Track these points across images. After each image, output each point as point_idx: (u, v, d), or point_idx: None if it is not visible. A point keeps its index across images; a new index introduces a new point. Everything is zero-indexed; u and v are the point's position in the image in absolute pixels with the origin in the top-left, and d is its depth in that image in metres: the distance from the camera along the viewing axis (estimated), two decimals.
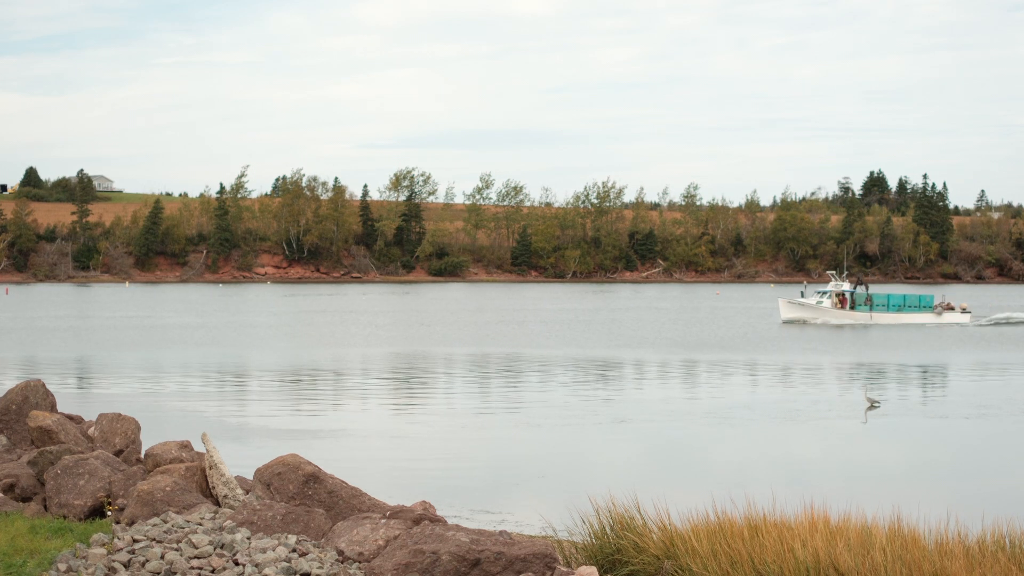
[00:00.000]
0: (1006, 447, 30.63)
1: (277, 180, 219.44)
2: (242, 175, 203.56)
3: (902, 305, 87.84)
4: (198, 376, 46.06)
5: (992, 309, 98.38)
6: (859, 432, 32.61)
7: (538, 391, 41.57)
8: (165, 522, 11.81)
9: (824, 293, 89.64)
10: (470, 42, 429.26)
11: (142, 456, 15.21)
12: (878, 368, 51.06)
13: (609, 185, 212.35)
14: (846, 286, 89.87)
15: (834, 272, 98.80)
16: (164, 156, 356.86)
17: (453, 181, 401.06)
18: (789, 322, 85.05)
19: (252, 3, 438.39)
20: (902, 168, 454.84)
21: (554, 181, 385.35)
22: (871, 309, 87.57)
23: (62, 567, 10.52)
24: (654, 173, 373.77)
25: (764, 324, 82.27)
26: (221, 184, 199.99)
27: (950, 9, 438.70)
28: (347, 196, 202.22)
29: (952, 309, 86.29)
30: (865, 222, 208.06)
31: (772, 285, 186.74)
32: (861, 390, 39.58)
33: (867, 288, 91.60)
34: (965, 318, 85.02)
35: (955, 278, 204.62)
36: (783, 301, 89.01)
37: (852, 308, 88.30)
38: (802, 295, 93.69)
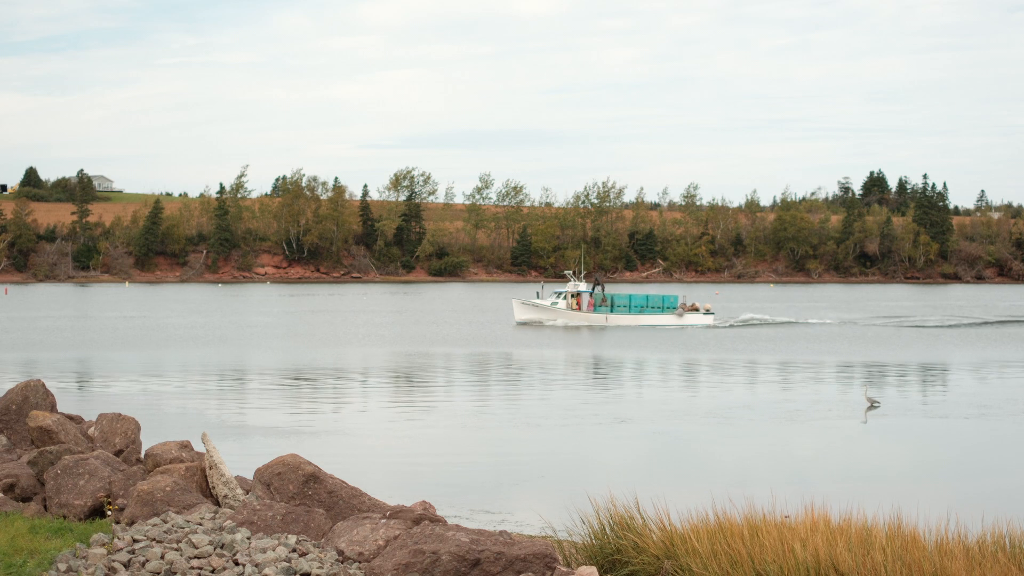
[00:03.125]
0: (1006, 447, 30.64)
1: (277, 180, 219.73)
2: (242, 175, 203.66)
3: (644, 306, 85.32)
4: (198, 376, 46.05)
5: (737, 311, 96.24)
6: (859, 432, 32.61)
7: (538, 391, 41.58)
8: (165, 522, 11.81)
9: (560, 294, 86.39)
10: (471, 42, 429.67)
11: (142, 456, 15.22)
12: (878, 368, 51.07)
13: (609, 185, 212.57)
14: (583, 287, 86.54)
15: (571, 272, 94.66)
16: (164, 156, 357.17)
17: (453, 181, 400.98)
18: (524, 323, 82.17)
19: (255, 4, 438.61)
20: (902, 168, 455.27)
21: (554, 181, 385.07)
22: (610, 310, 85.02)
23: (62, 567, 10.52)
24: (654, 173, 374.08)
25: (499, 325, 79.72)
26: (221, 184, 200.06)
27: (951, 10, 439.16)
28: (347, 196, 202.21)
29: (696, 310, 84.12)
30: (865, 222, 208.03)
31: (771, 285, 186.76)
32: (861, 390, 39.59)
33: (603, 288, 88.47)
34: (708, 319, 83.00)
35: (955, 278, 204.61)
36: (517, 302, 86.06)
37: (591, 309, 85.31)
38: (538, 296, 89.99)
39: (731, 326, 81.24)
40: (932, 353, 59.60)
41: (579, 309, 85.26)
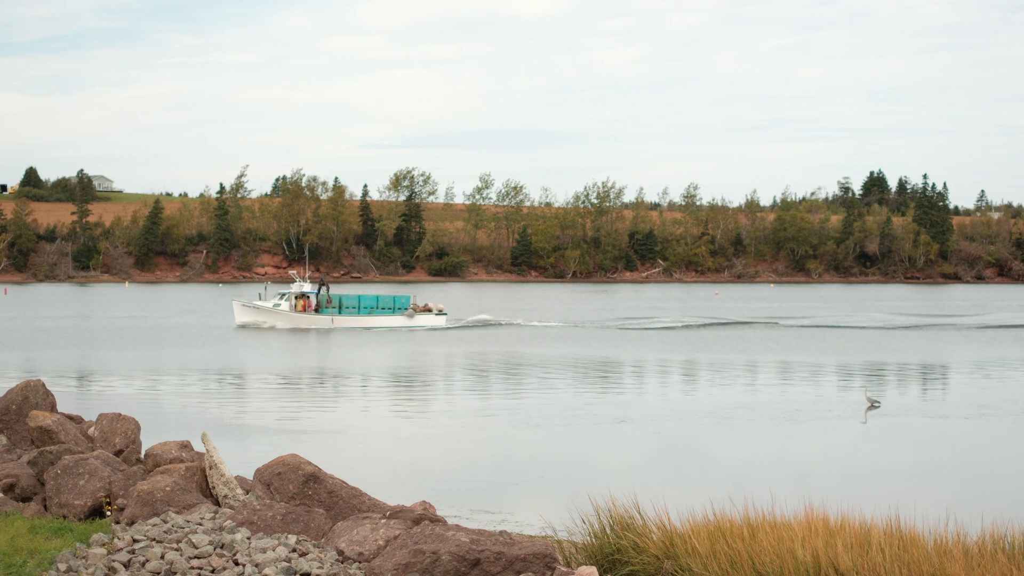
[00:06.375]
0: (1006, 447, 30.65)
1: (277, 180, 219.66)
2: (242, 175, 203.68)
3: (374, 307, 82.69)
4: (198, 376, 46.06)
5: (469, 312, 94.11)
6: (859, 432, 32.62)
7: (538, 391, 41.58)
8: (165, 522, 11.82)
9: (283, 295, 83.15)
10: (472, 42, 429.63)
11: (142, 456, 15.22)
12: (877, 368, 51.08)
13: (609, 185, 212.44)
14: (308, 287, 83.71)
15: (296, 272, 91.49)
16: (164, 156, 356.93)
17: (453, 181, 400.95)
18: (244, 326, 79.01)
19: (255, 4, 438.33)
20: (902, 168, 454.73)
21: (554, 181, 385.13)
22: (338, 312, 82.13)
23: (62, 567, 10.53)
24: (654, 173, 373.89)
25: (218, 328, 77.25)
26: (221, 184, 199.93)
27: (951, 10, 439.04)
28: (347, 196, 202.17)
29: (429, 311, 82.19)
30: (865, 222, 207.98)
31: (772, 285, 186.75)
32: (862, 390, 39.60)
33: (329, 289, 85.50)
34: (440, 320, 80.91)
35: (955, 278, 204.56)
36: (237, 304, 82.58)
37: (317, 310, 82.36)
38: (260, 297, 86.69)
39: (462, 327, 79.65)
40: (932, 353, 59.60)
41: (305, 311, 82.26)
